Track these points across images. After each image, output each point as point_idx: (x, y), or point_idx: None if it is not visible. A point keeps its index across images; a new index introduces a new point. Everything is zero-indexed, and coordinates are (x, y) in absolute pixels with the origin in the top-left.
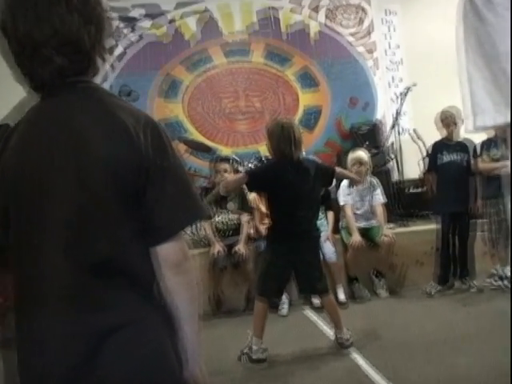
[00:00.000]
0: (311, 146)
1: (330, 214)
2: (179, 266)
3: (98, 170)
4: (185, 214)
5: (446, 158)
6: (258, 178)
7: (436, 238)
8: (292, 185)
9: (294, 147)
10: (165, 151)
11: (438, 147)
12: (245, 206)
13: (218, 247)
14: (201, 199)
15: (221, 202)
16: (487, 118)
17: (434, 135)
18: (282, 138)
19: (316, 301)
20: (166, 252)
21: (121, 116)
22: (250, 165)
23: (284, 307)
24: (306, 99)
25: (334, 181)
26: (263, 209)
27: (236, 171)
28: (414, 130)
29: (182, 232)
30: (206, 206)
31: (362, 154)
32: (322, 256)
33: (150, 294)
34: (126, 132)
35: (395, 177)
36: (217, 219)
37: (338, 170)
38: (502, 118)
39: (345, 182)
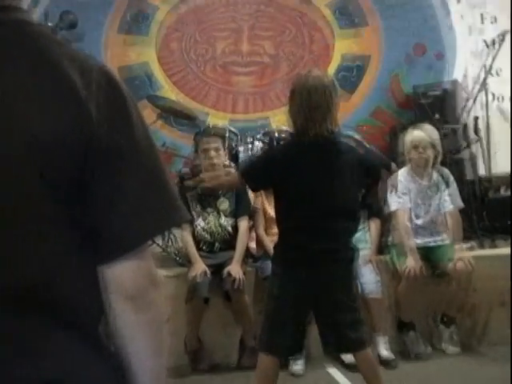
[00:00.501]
0: (350, 115)
1: (375, 225)
2: (140, 297)
3: (20, 153)
4: (152, 217)
5: None
6: (259, 176)
7: None
8: (311, 179)
9: (318, 120)
10: (127, 124)
11: None
12: (243, 207)
13: (199, 268)
14: (178, 195)
15: (207, 198)
16: None
17: None
18: (302, 104)
19: (347, 356)
20: (121, 276)
21: (65, 70)
22: (256, 143)
23: (298, 363)
24: (344, 45)
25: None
26: (271, 211)
27: (231, 152)
28: None
29: (147, 245)
30: (183, 206)
31: (429, 131)
32: (359, 288)
33: (94, 338)
34: (70, 95)
35: (480, 170)
36: (200, 225)
37: (394, 168)
38: None
39: (403, 171)
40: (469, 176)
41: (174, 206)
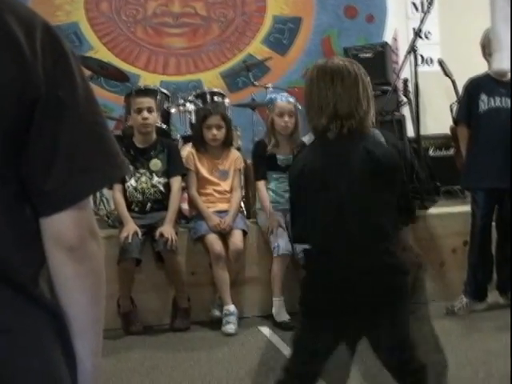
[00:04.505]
0: (283, 76)
1: None
2: (80, 248)
3: None
4: (92, 171)
5: (490, 103)
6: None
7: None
8: (336, 185)
9: (343, 118)
10: (70, 81)
11: (477, 87)
12: (176, 166)
13: (131, 229)
14: (119, 150)
15: (140, 158)
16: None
17: (471, 69)
18: (319, 100)
19: (279, 315)
20: (61, 227)
21: (6, 19)
22: (187, 104)
23: (231, 322)
24: (276, 7)
25: None
26: (204, 171)
27: (164, 111)
28: (441, 61)
29: (88, 200)
30: (125, 161)
31: None
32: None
33: (34, 291)
34: (11, 45)
35: (410, 131)
36: (132, 185)
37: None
38: None
39: None
40: (398, 137)
41: (116, 161)
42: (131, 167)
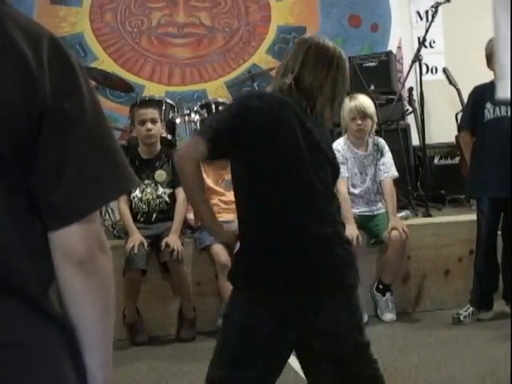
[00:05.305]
0: None
1: None
2: (89, 261)
3: None
4: (102, 185)
5: (495, 112)
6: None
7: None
8: (310, 154)
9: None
10: (76, 94)
11: (482, 95)
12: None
13: (136, 239)
14: (127, 162)
15: (145, 169)
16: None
17: (475, 77)
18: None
19: None
20: (70, 241)
21: (12, 34)
22: (192, 114)
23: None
24: (281, 14)
25: None
26: (209, 181)
27: (169, 121)
28: (445, 70)
29: (97, 213)
30: (133, 173)
31: (366, 101)
32: None
33: (43, 304)
34: (19, 60)
35: (415, 140)
36: (137, 196)
37: None
38: None
39: (340, 141)
40: (403, 146)
41: (124, 173)
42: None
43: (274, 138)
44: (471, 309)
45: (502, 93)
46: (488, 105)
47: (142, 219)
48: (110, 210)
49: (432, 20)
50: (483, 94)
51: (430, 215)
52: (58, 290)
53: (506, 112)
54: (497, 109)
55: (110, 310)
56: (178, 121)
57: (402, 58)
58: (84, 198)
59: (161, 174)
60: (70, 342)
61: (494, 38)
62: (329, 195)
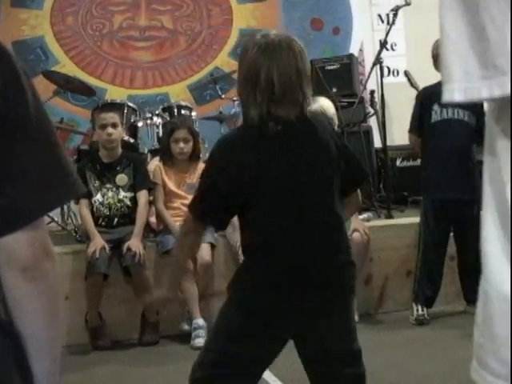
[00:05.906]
0: None
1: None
2: (34, 268)
3: None
4: (46, 190)
5: (442, 114)
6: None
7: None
8: (289, 174)
9: (289, 99)
10: (21, 97)
11: (429, 96)
12: (142, 180)
13: (98, 243)
14: (73, 169)
15: (106, 173)
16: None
17: (436, 80)
18: (261, 77)
19: None
20: (14, 247)
21: None
22: (155, 118)
23: (200, 336)
24: (243, 17)
25: None
26: (171, 185)
27: (131, 125)
28: (407, 73)
29: (42, 218)
30: (79, 180)
31: (325, 103)
32: None
33: None
34: None
35: (377, 142)
36: (98, 200)
37: None
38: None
39: None
40: (365, 148)
41: (69, 179)
42: (97, 182)
43: (251, 183)
44: (416, 307)
45: (449, 96)
46: (435, 106)
47: (103, 223)
48: (72, 214)
49: (393, 23)
50: (431, 95)
51: (391, 217)
52: (3, 297)
53: (453, 114)
54: (444, 110)
55: (56, 316)
56: (140, 124)
57: (363, 60)
58: (30, 203)
59: (122, 178)
60: (15, 348)
61: (439, 40)
62: (323, 204)
